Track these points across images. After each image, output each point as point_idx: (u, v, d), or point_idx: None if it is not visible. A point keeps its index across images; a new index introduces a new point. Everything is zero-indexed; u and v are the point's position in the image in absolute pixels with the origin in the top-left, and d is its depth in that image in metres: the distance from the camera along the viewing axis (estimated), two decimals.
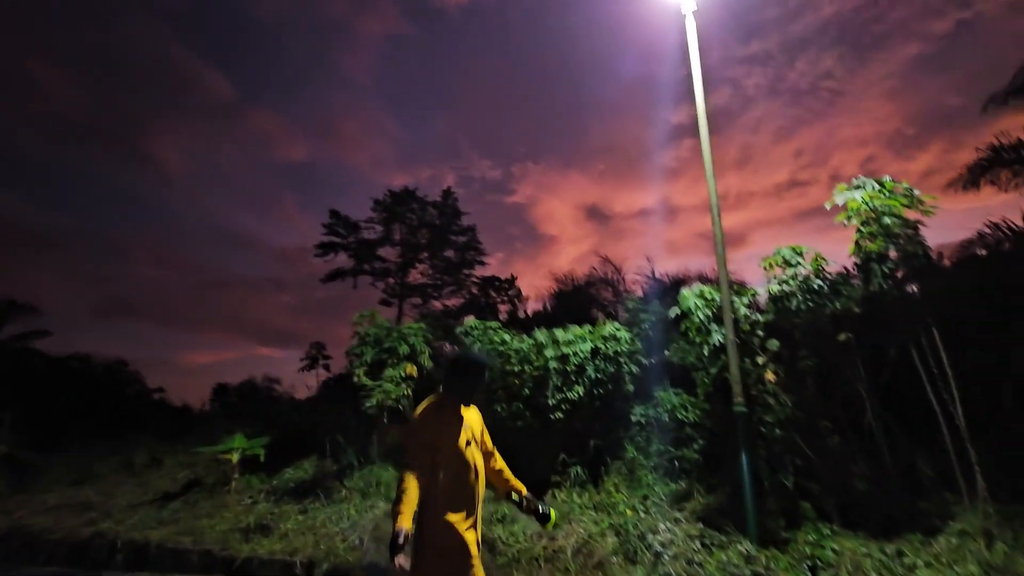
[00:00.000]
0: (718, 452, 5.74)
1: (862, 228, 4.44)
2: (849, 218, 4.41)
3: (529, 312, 19.26)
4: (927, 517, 4.79)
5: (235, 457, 7.51)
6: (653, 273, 15.45)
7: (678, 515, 5.12)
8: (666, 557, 4.47)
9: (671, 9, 5.84)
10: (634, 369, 6.26)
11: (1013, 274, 7.64)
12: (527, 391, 6.58)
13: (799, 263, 4.98)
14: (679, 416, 5.86)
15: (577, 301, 16.10)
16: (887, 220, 4.24)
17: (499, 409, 6.90)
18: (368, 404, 6.91)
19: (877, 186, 4.28)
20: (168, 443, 10.67)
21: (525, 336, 6.74)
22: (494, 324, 7.01)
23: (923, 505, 5.03)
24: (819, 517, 4.98)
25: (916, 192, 4.33)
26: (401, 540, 2.18)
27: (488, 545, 5.24)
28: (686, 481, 5.59)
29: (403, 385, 7.23)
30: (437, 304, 22.06)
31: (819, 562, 4.29)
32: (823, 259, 4.98)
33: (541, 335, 6.48)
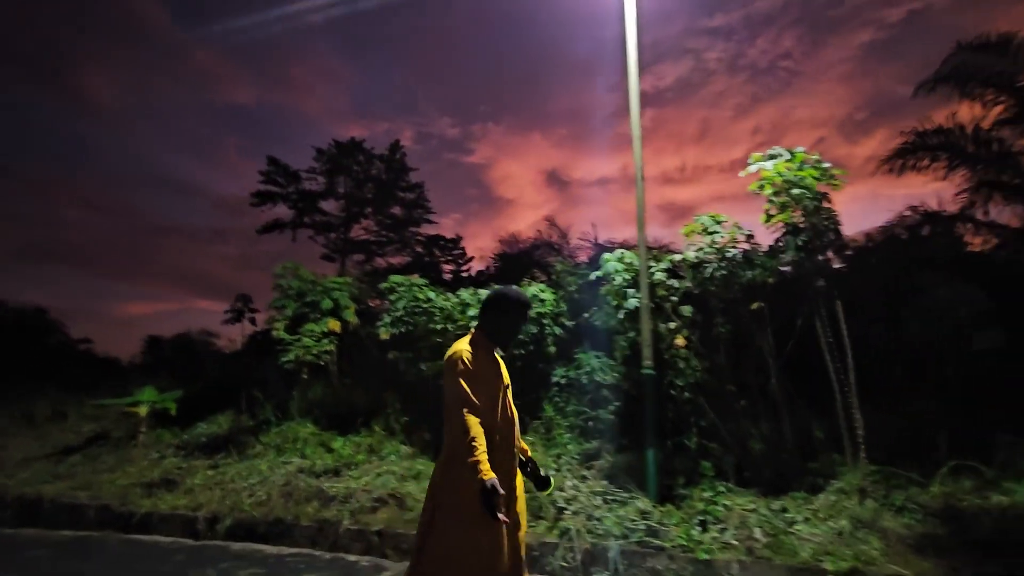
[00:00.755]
0: (632, 413, 5.89)
1: (773, 199, 4.52)
2: (761, 187, 4.47)
3: (473, 273, 19.18)
4: (813, 476, 5.11)
5: (143, 410, 7.15)
6: (596, 239, 15.64)
7: (586, 473, 5.25)
8: (567, 512, 4.58)
9: None
10: (557, 331, 6.28)
11: (919, 254, 8.10)
12: None
13: (716, 231, 5.04)
14: (597, 378, 5.95)
15: (521, 264, 16.10)
16: (795, 191, 4.32)
17: (424, 368, 6.83)
18: (285, 359, 6.68)
19: (788, 156, 4.33)
20: (78, 395, 10.08)
21: (450, 294, 6.63)
22: (420, 281, 6.84)
23: (812, 466, 5.36)
24: (717, 476, 5.23)
25: (826, 165, 4.41)
26: (498, 492, 1.84)
27: (398, 500, 5.24)
28: (598, 441, 5.73)
29: (324, 341, 7.02)
30: (381, 261, 21.59)
31: (710, 517, 4.50)
32: (740, 229, 5.06)
33: (465, 294, 6.38)
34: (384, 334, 6.57)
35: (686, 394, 5.51)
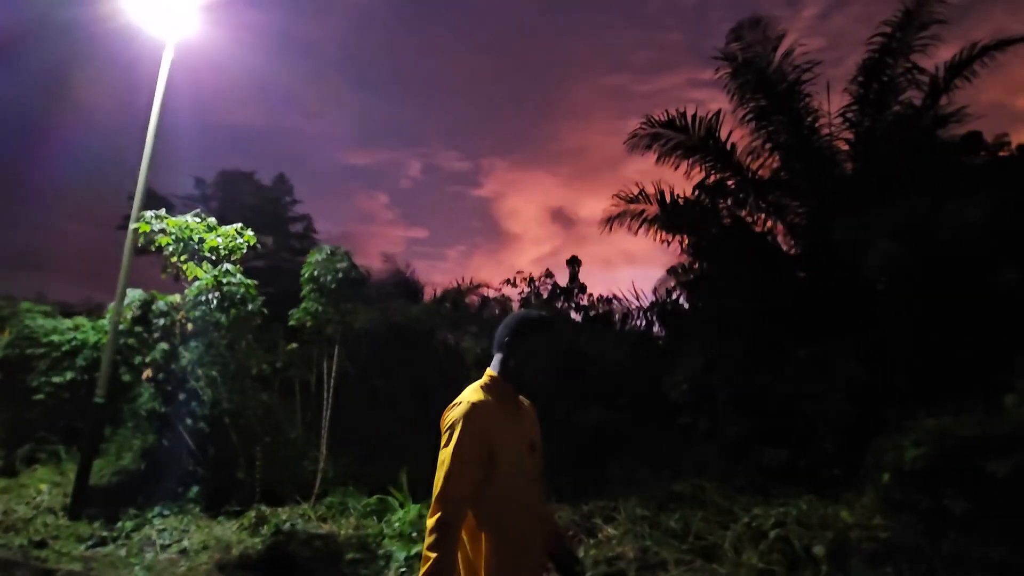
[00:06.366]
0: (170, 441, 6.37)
1: (173, 257, 5.18)
2: (156, 247, 5.11)
3: None
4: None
5: None
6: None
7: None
8: None
9: None
10: (137, 360, 6.82)
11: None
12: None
13: (208, 272, 5.61)
14: (147, 408, 6.46)
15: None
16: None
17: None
18: None
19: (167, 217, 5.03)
20: None
21: (66, 320, 7.15)
22: (45, 307, 7.38)
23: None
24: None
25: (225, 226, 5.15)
26: None
27: None
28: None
29: None
30: None
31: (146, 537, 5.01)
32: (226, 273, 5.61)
33: (52, 322, 6.95)
34: None
35: (202, 425, 6.03)
